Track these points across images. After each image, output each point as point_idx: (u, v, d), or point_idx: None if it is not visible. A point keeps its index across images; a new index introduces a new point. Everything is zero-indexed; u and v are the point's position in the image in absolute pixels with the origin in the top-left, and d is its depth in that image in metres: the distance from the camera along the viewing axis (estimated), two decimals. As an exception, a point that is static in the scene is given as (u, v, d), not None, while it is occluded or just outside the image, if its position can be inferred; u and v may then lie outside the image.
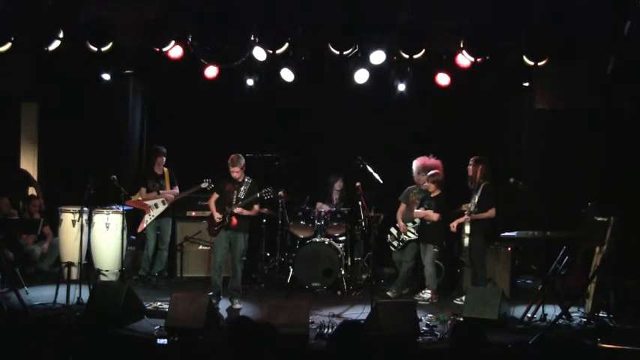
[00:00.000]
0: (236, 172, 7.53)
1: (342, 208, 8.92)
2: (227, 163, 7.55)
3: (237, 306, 7.55)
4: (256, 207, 7.67)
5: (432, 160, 8.41)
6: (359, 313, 7.15)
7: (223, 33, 7.75)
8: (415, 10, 7.73)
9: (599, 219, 7.23)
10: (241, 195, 7.56)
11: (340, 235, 8.91)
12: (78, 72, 8.59)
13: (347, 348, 3.83)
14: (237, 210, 7.46)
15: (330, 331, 6.28)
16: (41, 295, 7.47)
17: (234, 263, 7.60)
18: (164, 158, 8.79)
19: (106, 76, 8.58)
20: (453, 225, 7.98)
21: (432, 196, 8.16)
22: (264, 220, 8.87)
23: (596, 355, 5.74)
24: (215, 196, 7.76)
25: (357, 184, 8.44)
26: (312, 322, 6.51)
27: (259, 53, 7.98)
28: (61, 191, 9.24)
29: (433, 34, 7.76)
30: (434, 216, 8.04)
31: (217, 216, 7.56)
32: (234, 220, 7.49)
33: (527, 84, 8.88)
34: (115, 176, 7.91)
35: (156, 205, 8.73)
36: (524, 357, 5.93)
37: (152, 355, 5.85)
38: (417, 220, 8.28)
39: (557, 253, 7.29)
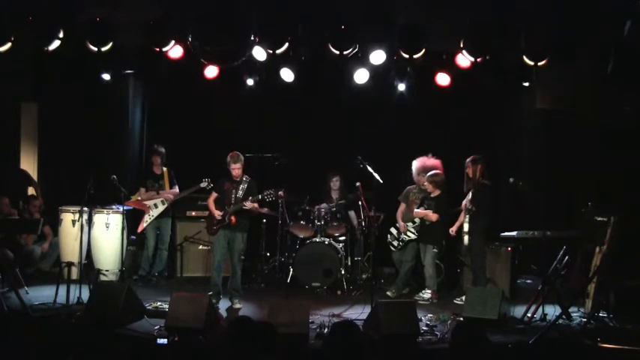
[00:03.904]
0: (237, 169, 7.54)
1: (341, 201, 8.92)
2: (227, 161, 7.56)
3: (237, 306, 7.55)
4: (255, 205, 7.67)
5: (431, 160, 8.40)
6: (359, 313, 7.14)
7: (223, 33, 7.75)
8: (415, 10, 7.74)
9: (599, 219, 7.23)
10: (240, 194, 7.57)
11: (340, 235, 8.91)
12: (78, 72, 8.58)
13: (342, 348, 3.83)
14: (249, 205, 7.43)
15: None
16: (41, 295, 7.47)
17: (233, 263, 7.61)
18: (159, 158, 8.78)
19: (106, 76, 8.56)
20: (453, 230, 7.99)
21: (432, 196, 8.16)
22: (264, 220, 8.87)
23: (596, 355, 5.74)
24: (214, 195, 7.77)
25: (357, 184, 8.44)
26: (312, 322, 6.52)
27: (259, 53, 7.98)
28: (61, 191, 9.25)
29: (433, 34, 7.76)
30: (433, 216, 8.04)
31: (218, 213, 7.56)
32: (233, 219, 7.50)
33: (527, 84, 8.87)
34: (115, 176, 7.90)
35: (155, 205, 8.73)
36: (524, 357, 5.93)
37: (152, 355, 5.84)
38: (417, 220, 8.28)
39: (557, 253, 7.29)
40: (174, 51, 7.91)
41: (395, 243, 8.50)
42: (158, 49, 7.73)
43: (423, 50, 7.74)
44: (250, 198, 7.49)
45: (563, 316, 6.79)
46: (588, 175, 8.88)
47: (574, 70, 8.32)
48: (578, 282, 7.34)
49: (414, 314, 6.33)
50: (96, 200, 7.70)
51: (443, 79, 8.48)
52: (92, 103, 9.47)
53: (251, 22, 7.69)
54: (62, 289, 7.19)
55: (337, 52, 7.73)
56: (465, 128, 9.57)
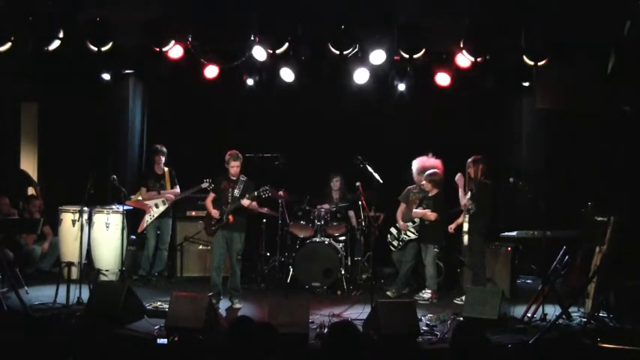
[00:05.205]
0: (235, 167, 7.53)
1: (342, 204, 8.93)
2: (225, 159, 7.56)
3: (237, 306, 7.55)
4: (254, 203, 7.66)
5: (431, 160, 8.40)
6: (359, 313, 7.14)
7: (223, 33, 7.76)
8: (415, 10, 7.74)
9: (599, 219, 7.23)
10: (237, 193, 7.57)
11: (340, 235, 8.91)
12: (78, 72, 8.59)
13: (340, 348, 3.83)
14: (246, 203, 7.44)
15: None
16: (41, 295, 7.46)
17: (232, 263, 7.60)
18: (162, 158, 8.78)
19: (106, 76, 8.58)
20: (452, 227, 8.00)
21: (430, 195, 8.16)
22: (264, 220, 8.87)
23: (596, 355, 5.74)
24: (212, 195, 7.77)
25: (357, 183, 8.44)
26: (312, 322, 6.51)
27: (259, 53, 7.99)
28: (61, 191, 9.25)
29: (433, 34, 7.76)
30: (431, 215, 8.04)
31: (215, 213, 7.56)
32: (231, 218, 7.50)
33: (527, 84, 8.88)
34: (115, 176, 7.90)
35: (156, 205, 8.73)
36: (524, 357, 5.94)
37: (152, 355, 5.85)
38: (417, 220, 8.28)
39: (557, 253, 7.29)
40: (174, 51, 7.92)
41: (395, 243, 8.50)
42: (158, 49, 7.74)
43: (423, 50, 7.75)
44: (247, 196, 7.49)
45: (563, 316, 6.78)
46: (588, 175, 8.89)
47: (574, 70, 8.33)
48: (578, 282, 7.34)
49: (414, 314, 6.33)
50: (96, 200, 7.69)
51: (443, 79, 8.49)
52: (92, 103, 9.47)
53: (251, 22, 7.70)
54: (62, 289, 7.18)
55: (337, 52, 7.74)
56: (465, 128, 9.57)
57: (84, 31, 7.68)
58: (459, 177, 7.85)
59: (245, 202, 7.45)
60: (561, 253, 7.25)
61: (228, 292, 7.62)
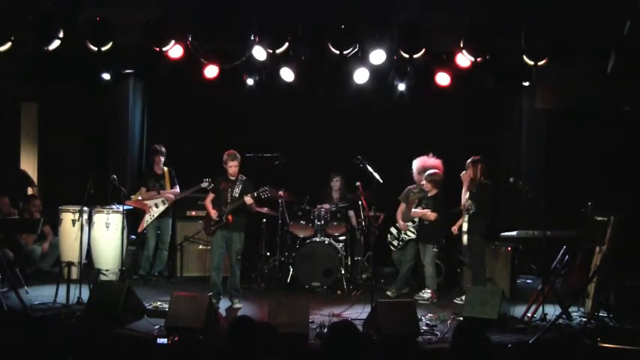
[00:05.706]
0: (234, 167, 7.54)
1: (342, 204, 8.93)
2: (224, 159, 7.56)
3: (237, 306, 7.55)
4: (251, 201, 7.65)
5: (431, 160, 8.41)
6: (359, 312, 7.14)
7: (223, 33, 7.77)
8: (415, 10, 7.75)
9: (599, 219, 7.23)
10: (236, 193, 7.57)
11: (340, 235, 8.91)
12: (78, 72, 8.59)
13: (339, 348, 3.84)
14: (249, 200, 7.41)
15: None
16: (41, 295, 7.46)
17: (232, 263, 7.61)
18: (162, 158, 8.78)
19: (106, 76, 8.58)
20: (455, 229, 8.00)
21: (429, 195, 8.16)
22: (264, 220, 8.87)
23: (596, 355, 5.74)
24: (211, 195, 7.77)
25: (357, 183, 8.44)
26: (312, 322, 6.52)
27: (259, 53, 7.99)
28: (61, 191, 9.25)
29: (433, 34, 7.77)
30: (431, 215, 8.04)
31: (214, 213, 7.56)
32: (230, 218, 7.50)
33: (527, 84, 8.88)
34: (115, 176, 7.90)
35: (156, 205, 8.73)
36: (524, 357, 5.94)
37: (152, 355, 5.85)
38: (417, 220, 8.28)
39: (557, 253, 7.29)
40: (174, 51, 7.92)
41: (395, 243, 8.51)
42: (158, 49, 7.74)
43: (423, 50, 7.75)
44: (234, 202, 7.49)
45: (563, 316, 6.78)
46: (588, 175, 8.89)
47: (574, 70, 8.33)
48: (578, 282, 7.34)
49: (414, 314, 6.33)
50: (96, 200, 7.69)
51: (443, 79, 8.49)
52: (92, 103, 9.48)
53: (251, 22, 7.71)
54: (62, 289, 7.18)
55: (337, 52, 7.74)
56: (465, 128, 9.57)
57: (84, 31, 7.69)
58: (464, 174, 7.84)
59: (248, 199, 7.44)
60: (561, 253, 7.25)
61: (228, 292, 7.62)
